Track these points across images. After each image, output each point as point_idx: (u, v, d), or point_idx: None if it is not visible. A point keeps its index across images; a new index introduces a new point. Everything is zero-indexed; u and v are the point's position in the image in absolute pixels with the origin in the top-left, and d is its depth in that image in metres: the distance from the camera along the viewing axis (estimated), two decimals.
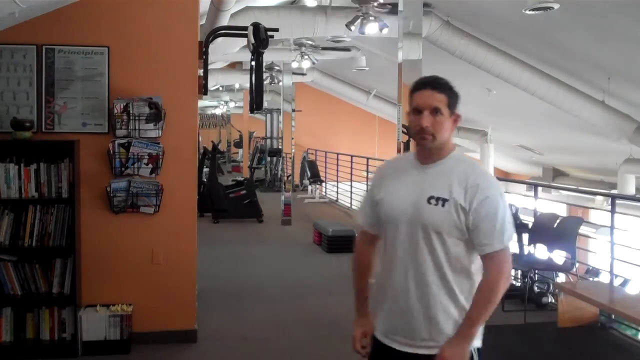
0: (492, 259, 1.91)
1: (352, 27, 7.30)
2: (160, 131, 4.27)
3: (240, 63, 14.35)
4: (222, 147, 24.42)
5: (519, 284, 5.97)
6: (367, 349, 2.06)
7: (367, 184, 10.75)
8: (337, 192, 14.12)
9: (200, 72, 4.53)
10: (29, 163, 4.04)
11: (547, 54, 8.33)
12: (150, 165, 4.25)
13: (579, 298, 4.67)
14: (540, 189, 6.93)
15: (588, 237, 7.38)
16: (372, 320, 2.07)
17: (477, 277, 1.97)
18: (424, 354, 1.95)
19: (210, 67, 4.83)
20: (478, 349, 1.98)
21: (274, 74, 13.28)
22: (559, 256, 5.49)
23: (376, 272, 2.09)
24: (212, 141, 16.60)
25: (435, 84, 1.96)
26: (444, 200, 1.91)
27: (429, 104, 1.93)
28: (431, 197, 1.93)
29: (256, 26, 4.45)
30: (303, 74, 13.84)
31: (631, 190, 10.74)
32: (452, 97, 1.97)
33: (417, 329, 1.96)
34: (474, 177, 1.93)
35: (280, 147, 14.06)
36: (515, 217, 5.94)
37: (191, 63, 4.41)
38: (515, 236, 5.94)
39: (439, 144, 1.97)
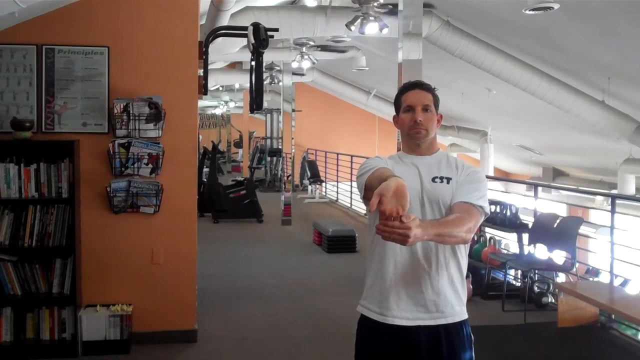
0: (467, 208, 1.99)
1: (352, 27, 7.30)
2: (160, 131, 4.27)
3: (240, 63, 14.36)
4: (222, 147, 24.42)
5: (519, 284, 5.97)
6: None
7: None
8: (337, 192, 14.12)
9: (200, 72, 4.53)
10: (29, 163, 4.04)
11: (547, 54, 8.33)
12: (150, 165, 4.25)
13: (579, 298, 4.68)
14: (540, 189, 6.93)
15: (588, 237, 7.38)
16: (387, 312, 2.04)
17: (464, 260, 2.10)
18: (445, 323, 2.05)
19: (210, 67, 4.83)
20: (466, 320, 2.10)
21: (274, 74, 13.28)
22: (559, 256, 5.49)
23: (376, 264, 2.08)
24: (212, 141, 16.60)
25: (423, 85, 2.15)
26: (448, 179, 2.07)
27: (420, 102, 2.10)
28: (435, 177, 2.08)
29: (256, 26, 4.45)
30: (302, 74, 13.83)
31: (631, 190, 10.74)
32: (436, 98, 2.15)
33: (440, 298, 2.04)
34: (463, 164, 2.15)
35: (280, 147, 14.07)
36: (515, 217, 5.95)
37: (191, 63, 4.41)
38: (515, 236, 5.96)
39: (430, 139, 2.14)
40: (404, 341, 2.02)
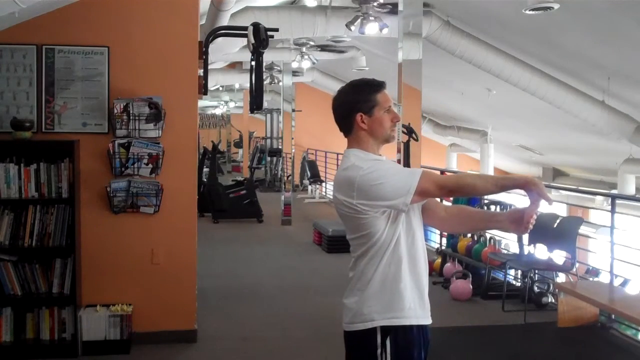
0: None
1: (352, 27, 7.29)
2: (160, 131, 4.27)
3: (240, 63, 14.34)
4: (222, 147, 24.41)
5: (519, 284, 5.97)
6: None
7: None
8: None
9: (200, 72, 4.53)
10: (29, 163, 4.04)
11: (547, 54, 8.33)
12: (150, 165, 4.25)
13: (579, 298, 4.67)
14: None
15: (588, 237, 7.38)
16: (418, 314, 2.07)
17: None
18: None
19: (210, 67, 4.83)
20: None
21: (274, 74, 13.27)
22: (559, 256, 5.49)
23: (406, 268, 2.04)
24: (212, 141, 16.59)
25: (385, 85, 2.10)
26: None
27: (391, 102, 2.10)
28: None
29: (256, 26, 4.45)
30: (301, 74, 13.82)
31: (631, 190, 10.73)
32: None
33: None
34: None
35: (280, 147, 14.06)
36: None
37: (191, 63, 4.42)
38: (515, 236, 5.96)
39: None
40: (426, 340, 2.09)
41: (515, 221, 1.99)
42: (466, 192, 2.10)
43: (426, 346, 2.08)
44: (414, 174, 1.96)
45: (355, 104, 2.06)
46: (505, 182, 1.97)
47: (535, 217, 1.95)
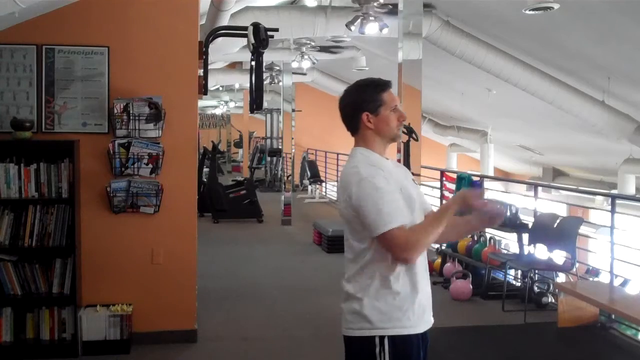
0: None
1: (352, 27, 7.29)
2: (160, 131, 4.27)
3: (240, 63, 14.36)
4: (222, 147, 24.42)
5: (519, 284, 5.97)
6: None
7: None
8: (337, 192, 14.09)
9: (200, 72, 4.54)
10: (29, 163, 4.05)
11: (547, 54, 8.34)
12: (150, 165, 4.25)
13: (579, 298, 4.68)
14: (540, 189, 6.93)
15: (588, 237, 7.37)
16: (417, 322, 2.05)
17: None
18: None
19: (210, 67, 4.83)
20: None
21: (274, 74, 13.28)
22: (559, 256, 5.49)
23: (403, 278, 2.01)
24: (212, 141, 16.59)
25: (391, 84, 2.11)
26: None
27: (397, 102, 2.11)
28: (412, 178, 2.19)
29: (256, 26, 4.46)
30: (303, 74, 13.83)
31: (631, 190, 10.74)
32: None
33: None
34: None
35: (280, 147, 14.07)
36: (515, 217, 5.95)
37: (191, 63, 4.42)
38: (515, 236, 5.96)
39: None
40: (425, 341, 2.09)
41: (486, 220, 2.05)
42: (432, 242, 2.06)
43: (425, 346, 2.08)
44: (387, 224, 1.91)
45: (361, 104, 2.07)
46: (442, 215, 2.00)
47: (496, 204, 2.02)
